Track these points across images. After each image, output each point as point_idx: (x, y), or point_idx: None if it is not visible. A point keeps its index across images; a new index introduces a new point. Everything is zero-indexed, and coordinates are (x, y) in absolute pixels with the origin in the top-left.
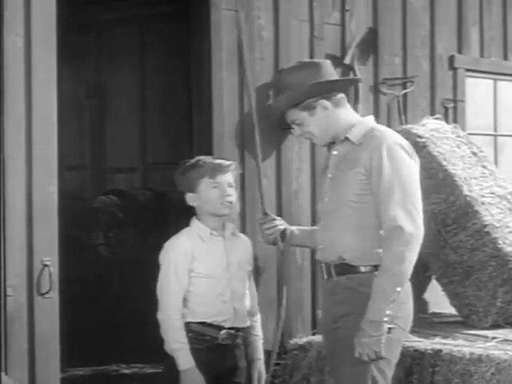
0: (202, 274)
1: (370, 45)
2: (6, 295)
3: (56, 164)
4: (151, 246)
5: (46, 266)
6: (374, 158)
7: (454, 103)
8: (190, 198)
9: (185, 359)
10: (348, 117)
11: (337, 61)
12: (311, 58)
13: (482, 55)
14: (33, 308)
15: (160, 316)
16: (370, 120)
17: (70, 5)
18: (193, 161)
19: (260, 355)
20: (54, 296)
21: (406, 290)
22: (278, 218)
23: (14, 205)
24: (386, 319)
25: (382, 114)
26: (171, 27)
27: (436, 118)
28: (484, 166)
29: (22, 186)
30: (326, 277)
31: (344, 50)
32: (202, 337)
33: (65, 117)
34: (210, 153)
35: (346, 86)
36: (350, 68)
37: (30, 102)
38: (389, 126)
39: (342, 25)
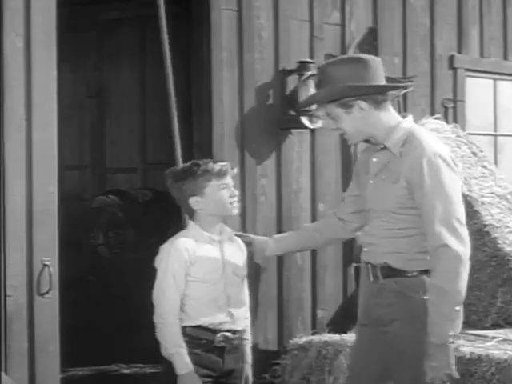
0: (198, 279)
1: (370, 45)
2: (6, 295)
3: (56, 164)
4: (151, 247)
5: (45, 265)
6: (414, 172)
7: (454, 103)
8: (195, 202)
9: (183, 363)
10: (388, 120)
11: None
12: (311, 58)
13: (481, 55)
14: (33, 308)
15: (157, 320)
16: (408, 123)
17: (70, 5)
18: (189, 165)
19: (248, 359)
20: (54, 296)
21: None
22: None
23: (14, 205)
24: (450, 340)
25: None
26: (171, 27)
27: (436, 118)
28: (484, 166)
29: (22, 186)
30: (372, 279)
31: (344, 50)
32: (198, 340)
33: (65, 117)
34: (210, 153)
35: (389, 91)
36: None
37: (29, 102)
38: None
39: (342, 25)
